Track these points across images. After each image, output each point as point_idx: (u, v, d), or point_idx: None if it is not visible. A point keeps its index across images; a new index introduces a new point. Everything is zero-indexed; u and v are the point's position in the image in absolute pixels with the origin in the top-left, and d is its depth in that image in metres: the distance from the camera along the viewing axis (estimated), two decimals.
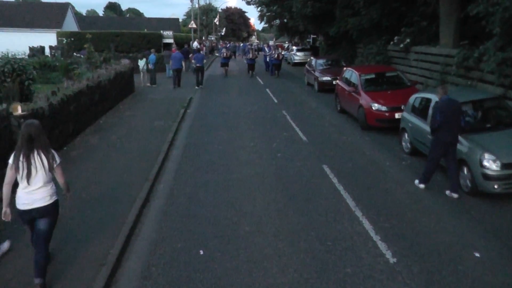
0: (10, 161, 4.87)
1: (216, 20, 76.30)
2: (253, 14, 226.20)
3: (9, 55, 11.66)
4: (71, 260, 5.49)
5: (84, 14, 74.02)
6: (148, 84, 22.77)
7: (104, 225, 6.45)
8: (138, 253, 5.82)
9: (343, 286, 4.97)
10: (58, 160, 5.02)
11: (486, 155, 7.19)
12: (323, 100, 17.67)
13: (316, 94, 19.69)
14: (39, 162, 4.86)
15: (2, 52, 12.13)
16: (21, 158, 4.81)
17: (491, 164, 7.12)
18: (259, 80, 25.14)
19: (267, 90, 20.97)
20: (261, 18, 51.73)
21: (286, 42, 59.69)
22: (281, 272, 5.24)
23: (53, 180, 5.05)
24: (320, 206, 7.13)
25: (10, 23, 38.55)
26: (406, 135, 10.03)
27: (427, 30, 15.85)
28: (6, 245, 5.71)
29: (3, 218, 4.95)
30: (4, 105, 7.88)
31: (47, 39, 34.25)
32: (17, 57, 11.72)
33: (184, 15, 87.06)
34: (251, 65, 27.70)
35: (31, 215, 4.93)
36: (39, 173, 4.86)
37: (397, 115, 11.54)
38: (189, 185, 8.30)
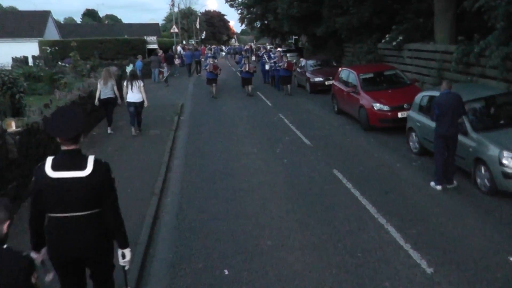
0: (125, 83, 12.27)
1: (197, 24, 75.69)
2: (232, 17, 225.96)
3: None
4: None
5: (62, 22, 72.42)
6: None
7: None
8: (157, 276, 5.42)
9: None
10: (141, 84, 12.23)
11: (505, 153, 7.00)
12: (318, 101, 17.43)
13: (309, 96, 19.43)
14: (135, 84, 12.10)
15: None
16: (129, 83, 12.06)
17: (510, 162, 6.94)
18: None
19: (259, 93, 20.65)
20: (241, 20, 51.31)
21: (267, 44, 59.16)
22: None
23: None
24: (340, 214, 6.82)
25: None
26: (413, 134, 9.81)
27: (420, 27, 15.73)
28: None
29: (125, 104, 12.49)
30: None
31: (29, 48, 33.04)
32: (6, 68, 11.12)
33: (163, 19, 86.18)
34: (247, 79, 20.73)
35: (134, 105, 12.13)
36: (135, 88, 12.07)
37: (400, 114, 11.35)
38: (197, 198, 7.91)
